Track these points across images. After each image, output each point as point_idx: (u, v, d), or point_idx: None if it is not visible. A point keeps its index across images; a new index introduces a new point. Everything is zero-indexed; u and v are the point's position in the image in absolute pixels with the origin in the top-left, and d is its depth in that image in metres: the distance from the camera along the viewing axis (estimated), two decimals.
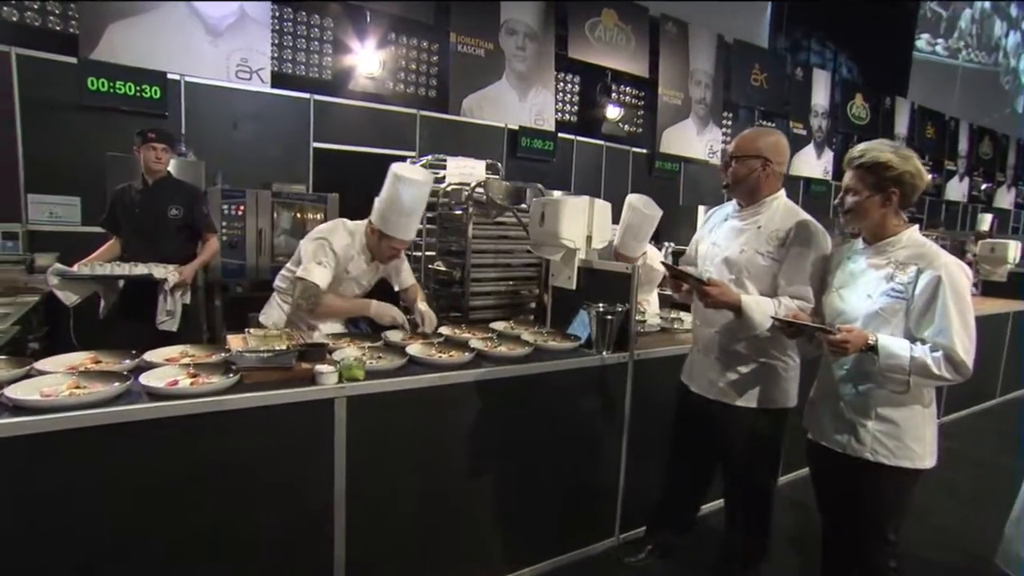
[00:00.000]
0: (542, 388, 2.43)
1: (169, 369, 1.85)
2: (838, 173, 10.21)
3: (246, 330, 2.41)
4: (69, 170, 4.30)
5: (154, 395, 1.67)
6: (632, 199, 3.16)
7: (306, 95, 5.28)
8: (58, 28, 4.45)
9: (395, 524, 2.11)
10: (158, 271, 3.08)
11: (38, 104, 4.26)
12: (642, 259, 3.26)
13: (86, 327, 3.43)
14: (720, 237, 2.28)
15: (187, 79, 4.69)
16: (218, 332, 4.18)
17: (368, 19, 5.62)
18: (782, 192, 2.21)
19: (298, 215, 4.76)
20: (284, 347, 2.08)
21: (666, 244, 7.07)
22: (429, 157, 3.93)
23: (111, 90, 4.36)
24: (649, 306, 3.42)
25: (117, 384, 1.65)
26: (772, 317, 1.96)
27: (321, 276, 2.50)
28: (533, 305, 3.81)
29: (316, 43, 5.47)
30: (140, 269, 3.07)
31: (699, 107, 8.37)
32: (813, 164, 10.03)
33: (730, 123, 8.89)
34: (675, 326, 3.27)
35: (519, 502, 2.43)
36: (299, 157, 5.31)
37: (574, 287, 2.91)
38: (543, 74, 6.94)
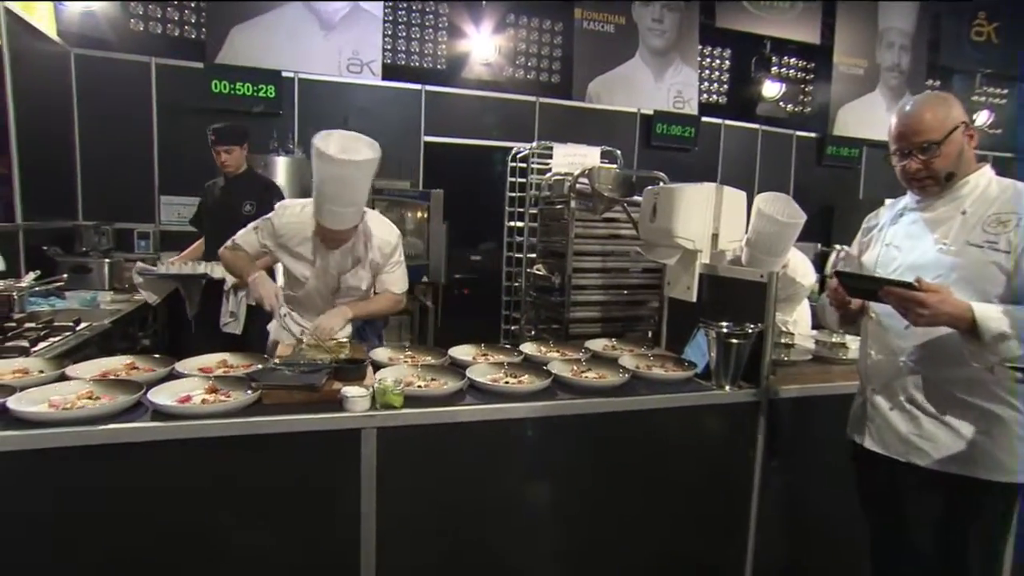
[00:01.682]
0: (639, 429, 1.99)
1: (189, 382, 1.74)
2: None
3: (303, 335, 2.29)
4: (194, 172, 4.65)
5: (159, 413, 1.55)
6: (761, 202, 2.57)
7: (417, 86, 5.28)
8: (192, 37, 4.89)
9: None
10: (218, 270, 3.11)
11: (171, 109, 4.70)
12: (782, 270, 2.64)
13: (207, 326, 3.65)
14: (899, 237, 1.74)
15: (300, 76, 4.91)
16: None
17: (484, 1, 5.49)
18: (987, 166, 1.67)
19: (408, 214, 4.75)
20: (325, 360, 1.90)
21: (838, 248, 6.05)
22: (533, 144, 3.63)
23: (231, 92, 4.68)
24: (796, 326, 2.77)
25: (122, 398, 1.56)
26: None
27: (245, 240, 2.37)
28: (655, 319, 3.33)
29: (429, 31, 5.46)
30: (202, 268, 3.12)
31: (890, 76, 7.08)
32: None
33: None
34: (837, 354, 2.60)
35: None
36: (409, 152, 5.32)
37: (693, 299, 2.42)
38: (685, 49, 6.30)
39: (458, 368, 2.08)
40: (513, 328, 3.94)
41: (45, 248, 3.84)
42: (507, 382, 1.99)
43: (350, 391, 1.68)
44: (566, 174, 3.26)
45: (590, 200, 3.02)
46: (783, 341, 2.62)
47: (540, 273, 3.30)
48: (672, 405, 2.00)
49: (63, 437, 1.42)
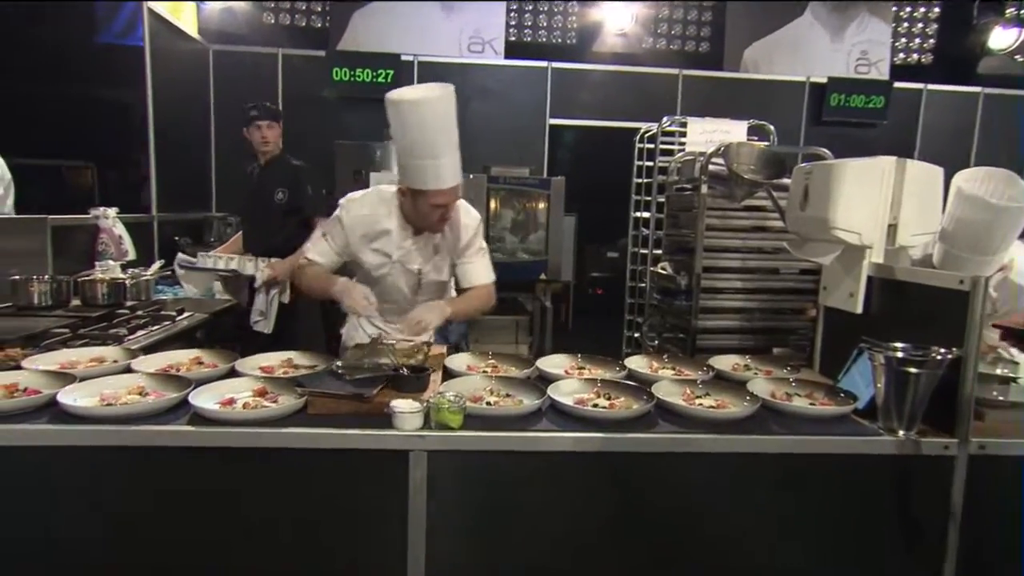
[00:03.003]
0: (766, 480, 1.62)
1: (239, 382, 1.71)
2: None
3: (381, 337, 2.20)
4: (316, 161, 4.92)
5: (199, 416, 1.52)
6: (964, 180, 2.08)
7: (543, 63, 5.12)
8: (317, 26, 5.19)
9: None
10: (249, 266, 3.13)
11: (295, 99, 5.01)
12: (1000, 273, 2.08)
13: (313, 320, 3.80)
14: None
15: (420, 59, 4.98)
16: None
17: None
18: None
19: (527, 204, 4.61)
20: (392, 364, 1.79)
21: None
22: (664, 121, 3.28)
23: (351, 78, 4.88)
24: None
25: (167, 396, 1.57)
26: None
27: (319, 251, 2.25)
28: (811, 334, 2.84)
29: (558, 2, 5.28)
30: (234, 263, 3.16)
31: None
32: None
33: None
34: None
35: None
36: (533, 136, 5.19)
37: (858, 310, 1.98)
38: None
39: (543, 384, 1.86)
40: (636, 336, 3.62)
41: (177, 238, 4.25)
42: (596, 404, 1.73)
43: (399, 406, 1.53)
44: (699, 154, 2.88)
45: (726, 184, 2.63)
46: (998, 372, 2.06)
47: (664, 273, 2.96)
48: (816, 451, 1.61)
49: (94, 436, 1.44)
